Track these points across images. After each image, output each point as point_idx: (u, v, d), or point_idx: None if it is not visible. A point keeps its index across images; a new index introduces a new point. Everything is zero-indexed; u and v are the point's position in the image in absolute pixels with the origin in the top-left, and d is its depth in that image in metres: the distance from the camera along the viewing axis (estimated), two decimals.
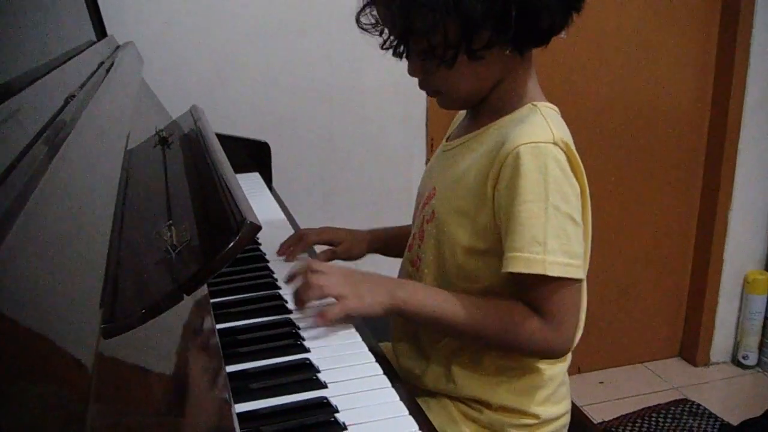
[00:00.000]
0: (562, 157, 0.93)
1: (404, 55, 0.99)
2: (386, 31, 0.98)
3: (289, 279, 1.06)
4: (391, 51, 0.99)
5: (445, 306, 0.96)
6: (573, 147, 0.95)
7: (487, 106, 1.02)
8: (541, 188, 0.90)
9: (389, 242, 1.30)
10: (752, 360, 2.62)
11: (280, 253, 1.25)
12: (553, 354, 0.98)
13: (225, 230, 0.67)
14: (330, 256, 1.26)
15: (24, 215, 0.49)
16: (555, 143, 0.92)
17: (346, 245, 1.26)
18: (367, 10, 0.98)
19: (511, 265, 0.91)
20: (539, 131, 0.93)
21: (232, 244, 0.63)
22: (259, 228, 0.65)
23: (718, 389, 2.54)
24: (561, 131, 0.95)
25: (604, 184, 2.40)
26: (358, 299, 0.95)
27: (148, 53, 1.71)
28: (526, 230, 0.90)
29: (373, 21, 0.98)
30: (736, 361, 2.65)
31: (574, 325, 0.94)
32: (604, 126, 2.36)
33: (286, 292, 1.07)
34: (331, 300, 0.97)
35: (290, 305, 1.02)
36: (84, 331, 0.53)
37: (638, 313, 2.60)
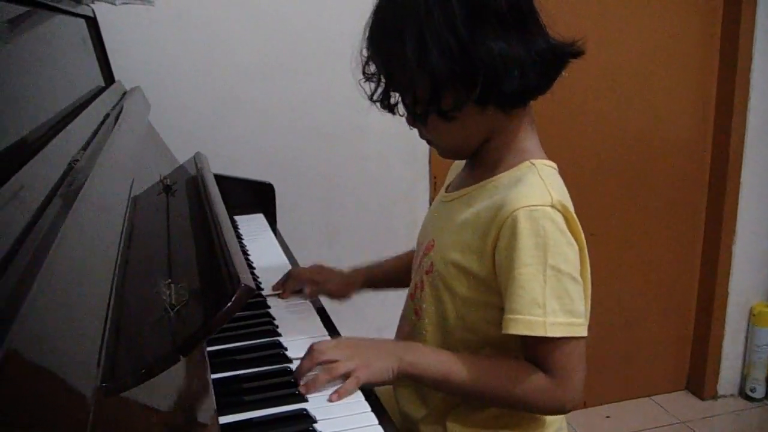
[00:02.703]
0: (560, 219, 0.94)
1: (389, 108, 1.02)
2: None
3: (300, 376, 0.97)
4: (379, 102, 1.02)
5: (453, 368, 0.96)
6: (571, 208, 0.96)
7: (482, 160, 1.04)
8: (539, 251, 0.91)
9: (384, 277, 1.33)
10: (760, 393, 2.60)
11: (274, 288, 1.28)
12: (562, 410, 0.98)
13: (220, 292, 0.69)
14: (313, 292, 1.28)
15: (26, 275, 0.51)
16: (553, 206, 0.93)
17: (337, 287, 1.28)
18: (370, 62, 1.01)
19: (513, 327, 0.92)
20: (537, 193, 0.94)
21: (225, 308, 0.65)
22: (253, 291, 0.68)
23: (725, 423, 2.53)
24: (558, 193, 0.96)
25: (607, 218, 2.42)
26: (367, 369, 0.95)
27: (155, 96, 1.75)
28: (526, 293, 0.91)
29: (375, 71, 1.02)
30: (743, 394, 2.64)
31: (581, 380, 0.95)
32: (606, 159, 2.38)
33: (286, 340, 1.09)
34: None
35: (289, 353, 1.04)
36: (84, 390, 0.55)
37: (644, 347, 2.59)
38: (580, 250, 0.97)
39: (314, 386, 0.94)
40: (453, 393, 1.02)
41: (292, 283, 1.28)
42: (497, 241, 0.95)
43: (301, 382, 0.95)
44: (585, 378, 0.96)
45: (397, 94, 1.01)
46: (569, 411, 0.98)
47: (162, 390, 0.69)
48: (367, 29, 0.99)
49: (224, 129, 1.93)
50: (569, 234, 0.95)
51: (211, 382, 0.79)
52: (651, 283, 2.55)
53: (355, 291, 1.32)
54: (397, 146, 2.06)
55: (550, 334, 0.90)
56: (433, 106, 0.95)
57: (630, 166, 2.42)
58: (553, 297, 0.91)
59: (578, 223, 0.97)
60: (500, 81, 0.92)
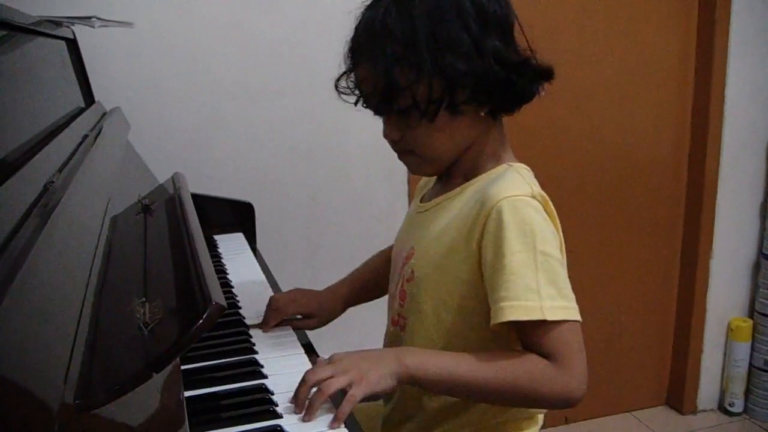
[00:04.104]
0: (541, 208, 0.97)
1: (385, 112, 1.03)
2: (365, 91, 1.02)
3: (298, 405, 0.93)
4: (371, 109, 1.04)
5: (460, 364, 0.94)
6: (550, 202, 0.99)
7: (459, 169, 1.07)
8: (528, 238, 0.93)
9: (362, 293, 1.31)
10: (739, 407, 2.63)
11: (266, 329, 1.21)
12: (571, 399, 0.93)
13: (192, 310, 0.71)
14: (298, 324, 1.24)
15: (1, 293, 0.52)
16: (533, 197, 0.96)
17: (316, 313, 1.24)
18: (348, 75, 1.03)
19: (510, 313, 0.91)
20: (518, 185, 0.97)
21: (196, 326, 0.67)
22: (224, 309, 0.69)
23: None
24: (537, 188, 0.99)
25: (586, 235, 2.45)
26: (364, 381, 0.91)
27: (136, 117, 1.76)
28: (519, 279, 0.92)
29: (351, 85, 1.04)
30: (722, 409, 2.67)
31: (584, 365, 0.93)
32: (585, 178, 2.42)
33: (263, 357, 1.10)
34: None
35: (265, 371, 1.05)
36: (57, 406, 0.56)
37: (624, 362, 2.62)
38: (561, 241, 1.00)
39: (312, 410, 0.90)
40: (460, 392, 0.98)
41: (275, 317, 1.22)
42: (483, 237, 0.96)
43: (301, 410, 0.91)
44: (586, 366, 0.93)
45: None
46: (577, 400, 0.93)
47: (135, 407, 0.70)
48: (360, 37, 1.01)
49: (206, 149, 1.95)
50: (551, 223, 0.98)
51: (184, 399, 0.80)
52: (630, 300, 2.58)
53: (342, 310, 1.29)
54: (377, 165, 2.08)
55: (548, 317, 0.90)
56: (444, 102, 0.97)
57: (608, 183, 2.46)
58: (547, 281, 0.92)
59: (556, 216, 0.99)
60: (511, 81, 0.97)
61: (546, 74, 1.01)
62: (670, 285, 2.62)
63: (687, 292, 2.59)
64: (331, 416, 0.90)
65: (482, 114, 1.00)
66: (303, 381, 0.93)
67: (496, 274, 0.94)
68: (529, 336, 0.94)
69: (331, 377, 0.91)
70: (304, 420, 0.90)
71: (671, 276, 2.62)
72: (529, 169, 1.06)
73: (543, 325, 0.91)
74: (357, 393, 0.90)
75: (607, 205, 2.47)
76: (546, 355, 0.92)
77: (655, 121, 2.46)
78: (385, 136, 1.05)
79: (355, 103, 1.05)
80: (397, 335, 1.12)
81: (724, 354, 2.65)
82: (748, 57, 2.41)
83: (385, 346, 1.19)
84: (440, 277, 1.02)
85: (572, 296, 0.94)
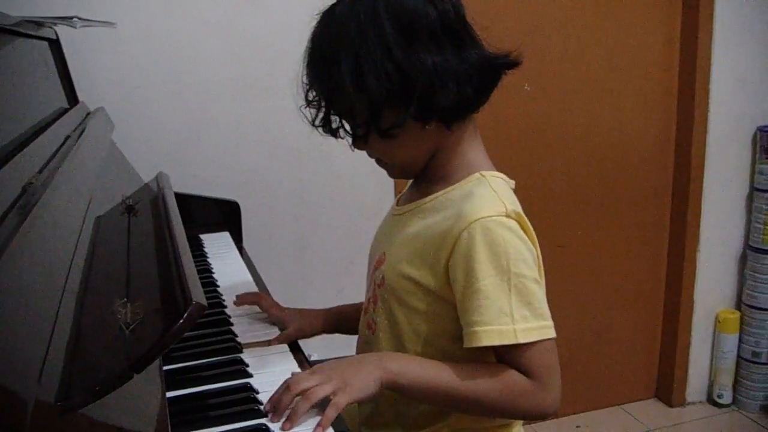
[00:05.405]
0: (516, 226, 0.96)
1: (331, 132, 1.03)
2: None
3: (273, 408, 0.93)
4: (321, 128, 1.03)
5: (442, 374, 0.95)
6: (524, 217, 0.98)
7: (430, 175, 1.06)
8: (500, 261, 0.93)
9: (345, 322, 1.28)
10: (727, 398, 2.65)
11: (237, 304, 1.25)
12: (545, 414, 0.97)
13: (173, 310, 0.71)
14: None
15: None
16: (508, 215, 0.95)
17: (296, 325, 1.22)
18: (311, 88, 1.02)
19: (485, 338, 0.92)
20: (490, 205, 0.96)
21: (177, 325, 0.67)
22: (204, 308, 0.69)
23: (695, 429, 2.56)
24: (511, 202, 0.98)
25: (574, 229, 2.46)
26: (347, 389, 0.91)
27: (121, 116, 1.75)
28: (493, 303, 0.92)
29: (315, 97, 1.03)
30: (711, 401, 2.68)
31: (558, 381, 0.96)
32: (572, 172, 2.42)
33: (247, 356, 1.10)
34: None
35: (250, 369, 1.05)
36: (38, 407, 0.56)
37: (613, 356, 2.63)
38: (537, 256, 0.99)
39: (295, 418, 0.89)
40: (438, 400, 0.99)
41: (253, 299, 1.25)
42: (452, 255, 0.96)
43: (281, 417, 0.90)
44: (559, 383, 0.96)
45: (338, 118, 1.02)
46: (550, 415, 0.97)
47: (117, 407, 0.70)
48: (306, 56, 1.00)
49: (192, 148, 1.94)
50: (527, 239, 0.97)
51: (166, 399, 0.80)
52: (619, 293, 2.59)
53: (320, 328, 1.28)
54: (364, 163, 2.07)
55: (522, 340, 0.91)
56: (372, 126, 0.96)
57: (596, 179, 2.46)
58: (521, 303, 0.93)
59: (533, 230, 0.99)
60: (436, 95, 0.94)
61: (498, 66, 0.99)
62: (658, 278, 2.63)
63: (675, 284, 2.60)
64: (313, 418, 0.90)
65: (428, 127, 0.98)
66: (287, 388, 0.92)
67: (469, 298, 0.94)
68: (505, 357, 0.95)
69: (316, 386, 0.91)
70: (284, 428, 0.89)
71: (659, 269, 2.63)
72: (504, 178, 1.04)
73: (517, 346, 0.93)
74: (341, 401, 0.90)
75: (594, 199, 2.48)
76: (523, 373, 0.94)
77: (640, 114, 2.47)
78: (352, 146, 1.06)
79: (312, 123, 1.04)
80: (369, 339, 1.12)
81: (712, 346, 2.66)
82: (732, 47, 2.41)
83: (358, 349, 1.19)
84: (409, 284, 1.02)
85: (547, 314, 0.95)
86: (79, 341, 0.73)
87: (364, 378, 0.93)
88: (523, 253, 0.95)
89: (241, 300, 1.27)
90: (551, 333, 0.95)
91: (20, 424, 0.50)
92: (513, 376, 0.94)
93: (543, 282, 1.01)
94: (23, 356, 0.56)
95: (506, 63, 0.99)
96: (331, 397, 0.91)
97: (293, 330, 1.20)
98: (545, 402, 0.95)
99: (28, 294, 0.62)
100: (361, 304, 1.19)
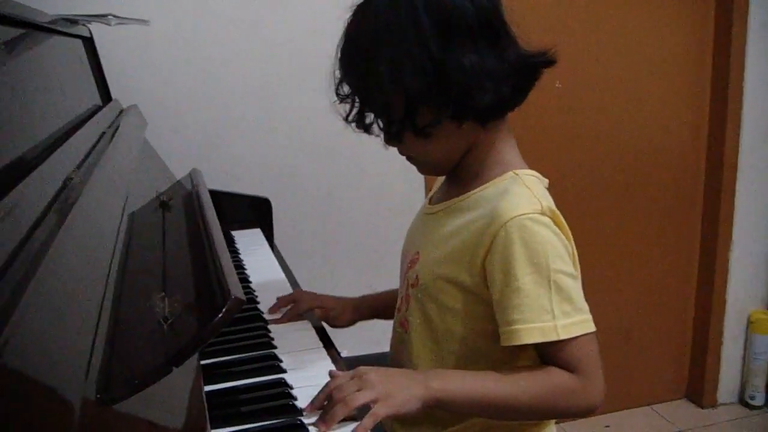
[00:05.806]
0: (551, 223, 0.95)
1: (364, 128, 1.03)
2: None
3: (314, 407, 0.92)
4: (354, 123, 1.03)
5: (486, 384, 0.93)
6: (559, 214, 0.97)
7: (463, 173, 1.05)
8: (538, 258, 0.92)
9: (379, 309, 1.30)
10: (759, 400, 2.61)
11: (272, 310, 1.25)
12: (593, 407, 0.94)
13: (212, 304, 0.71)
14: (322, 316, 1.27)
15: (18, 289, 0.53)
16: (543, 213, 0.95)
17: (333, 313, 1.25)
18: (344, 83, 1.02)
19: (526, 336, 0.92)
20: (525, 202, 0.95)
21: (216, 319, 0.67)
22: (243, 302, 0.69)
23: (725, 431, 2.53)
24: (546, 200, 0.97)
25: (604, 229, 2.43)
26: (389, 400, 0.89)
27: (153, 114, 1.77)
28: (533, 301, 0.92)
29: (348, 92, 1.03)
30: (743, 402, 2.64)
31: (601, 374, 0.94)
32: (602, 170, 2.40)
33: (282, 352, 1.10)
34: None
35: (284, 365, 1.05)
36: (78, 401, 0.57)
37: (643, 356, 2.60)
38: (572, 251, 0.98)
39: (332, 420, 0.87)
40: (488, 412, 0.98)
41: (293, 313, 1.24)
42: (489, 253, 0.95)
43: (317, 417, 0.89)
44: (602, 374, 0.94)
45: (372, 115, 1.02)
46: (597, 408, 0.94)
47: (155, 401, 0.71)
48: (339, 51, 1.00)
49: (223, 145, 1.95)
50: (562, 235, 0.96)
51: (204, 393, 0.81)
52: (649, 293, 2.56)
53: (353, 317, 1.30)
54: (394, 160, 2.07)
55: (563, 336, 0.91)
56: (408, 124, 0.96)
57: (626, 176, 2.44)
58: (561, 299, 0.92)
59: (567, 227, 0.98)
60: (474, 95, 0.93)
61: (536, 65, 0.98)
62: (690, 277, 2.60)
63: (706, 284, 2.57)
64: (348, 423, 0.88)
65: (463, 126, 0.97)
66: (326, 387, 0.92)
67: (508, 296, 0.93)
68: (548, 353, 0.95)
69: (357, 391, 0.89)
70: (319, 428, 0.87)
71: (690, 268, 2.60)
72: (538, 176, 1.03)
73: (559, 342, 0.92)
74: (380, 412, 0.88)
75: (625, 198, 2.45)
76: (570, 370, 0.93)
77: (672, 113, 2.44)
78: (385, 142, 1.05)
79: (345, 118, 1.04)
80: (403, 338, 1.11)
81: (744, 347, 2.62)
82: (766, 46, 2.37)
83: (391, 347, 1.19)
84: (445, 284, 1.02)
85: (586, 307, 0.95)
86: (118, 335, 0.74)
87: (407, 394, 0.91)
88: (560, 249, 0.94)
89: (280, 303, 1.26)
90: (591, 326, 0.94)
91: (69, 418, 0.50)
92: (558, 377, 0.93)
93: (579, 277, 1.00)
94: (71, 351, 0.57)
95: (543, 62, 0.99)
96: (371, 405, 0.89)
97: (330, 317, 1.25)
98: (592, 395, 0.93)
99: (73, 289, 0.63)
100: (394, 290, 1.18)
